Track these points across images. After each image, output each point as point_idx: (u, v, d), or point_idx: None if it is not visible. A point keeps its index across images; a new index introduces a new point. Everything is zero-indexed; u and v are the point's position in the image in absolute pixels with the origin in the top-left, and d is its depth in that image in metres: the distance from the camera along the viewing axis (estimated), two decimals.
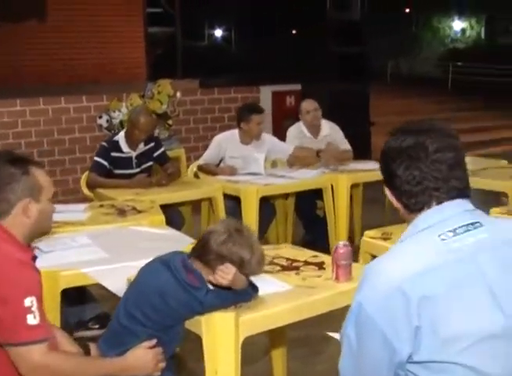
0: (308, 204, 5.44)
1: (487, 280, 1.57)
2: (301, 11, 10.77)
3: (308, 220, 5.55)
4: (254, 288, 2.28)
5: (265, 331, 2.88)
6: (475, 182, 5.01)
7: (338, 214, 5.03)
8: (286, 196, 5.42)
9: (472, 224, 1.64)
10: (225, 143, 5.33)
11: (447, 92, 19.18)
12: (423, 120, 1.85)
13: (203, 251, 2.20)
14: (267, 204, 5.12)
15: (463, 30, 25.43)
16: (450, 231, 1.61)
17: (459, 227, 1.62)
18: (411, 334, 1.52)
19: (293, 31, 16.66)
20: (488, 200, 4.95)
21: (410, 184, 1.68)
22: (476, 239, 1.61)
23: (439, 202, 1.67)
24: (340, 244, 2.49)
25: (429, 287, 1.53)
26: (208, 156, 5.34)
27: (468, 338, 1.52)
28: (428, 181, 1.66)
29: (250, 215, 4.64)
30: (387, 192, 1.77)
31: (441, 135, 1.69)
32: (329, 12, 9.19)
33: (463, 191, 1.68)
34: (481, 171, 5.01)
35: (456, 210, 1.66)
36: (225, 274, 2.15)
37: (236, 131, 5.37)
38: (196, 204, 5.35)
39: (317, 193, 5.16)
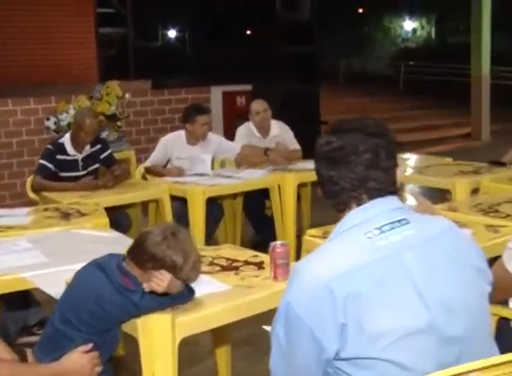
0: (257, 203, 5.46)
1: (412, 277, 1.59)
2: (253, 11, 10.81)
3: (257, 220, 5.57)
4: (190, 291, 2.28)
5: (208, 332, 2.91)
6: (419, 180, 5.20)
7: (285, 213, 5.07)
8: (234, 196, 5.43)
9: (399, 221, 1.66)
10: (172, 144, 5.32)
11: (399, 90, 19.44)
12: (353, 119, 1.85)
13: (138, 252, 2.20)
14: (215, 205, 5.13)
15: (414, 30, 25.78)
16: (376, 229, 1.63)
17: (385, 225, 1.64)
18: (337, 331, 1.54)
19: (248, 32, 16.69)
20: (434, 197, 5.05)
21: (330, 184, 1.70)
22: (402, 236, 1.63)
23: (359, 203, 1.69)
24: (278, 243, 2.51)
25: (355, 284, 1.55)
26: (155, 157, 5.32)
27: (393, 333, 1.54)
28: (345, 182, 1.68)
29: (197, 216, 4.64)
30: (319, 191, 1.80)
31: (364, 134, 1.69)
32: (279, 12, 9.24)
33: (384, 190, 1.69)
34: (425, 169, 5.11)
35: (382, 208, 1.68)
36: (160, 281, 2.15)
37: (182, 132, 5.37)
38: (145, 206, 5.33)
39: (265, 193, 5.18)
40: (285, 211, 5.06)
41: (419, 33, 25.82)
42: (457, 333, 1.60)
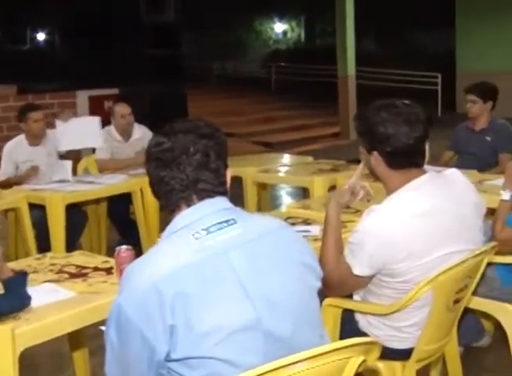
0: (121, 208, 5.40)
1: (238, 275, 1.63)
2: (118, 14, 10.67)
3: (122, 225, 5.51)
4: (26, 298, 2.24)
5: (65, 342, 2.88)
6: (279, 179, 5.32)
7: (148, 217, 5.05)
8: (98, 201, 5.35)
9: (226, 221, 1.69)
10: (15, 150, 5.22)
11: (270, 92, 19.75)
12: (184, 120, 1.88)
13: None
14: (77, 211, 5.03)
15: (285, 32, 26.29)
16: (204, 229, 1.66)
17: (213, 225, 1.67)
18: (167, 332, 1.55)
19: (114, 35, 16.36)
20: (298, 195, 5.19)
21: (161, 185, 1.72)
22: (229, 236, 1.67)
23: (189, 204, 1.71)
24: (123, 248, 2.50)
25: (182, 284, 1.57)
26: (4, 170, 5.18)
27: (221, 331, 1.57)
28: (175, 182, 1.70)
29: (57, 224, 4.54)
30: (151, 192, 1.81)
31: (195, 136, 1.72)
32: (143, 15, 9.19)
33: (213, 191, 1.72)
34: (286, 168, 5.25)
35: (210, 209, 1.71)
36: None
37: (22, 136, 5.28)
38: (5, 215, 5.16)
39: (130, 198, 5.14)
40: (148, 214, 5.04)
41: (289, 35, 26.35)
42: (284, 331, 1.65)
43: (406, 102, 2.38)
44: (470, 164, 4.89)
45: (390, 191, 2.38)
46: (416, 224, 2.24)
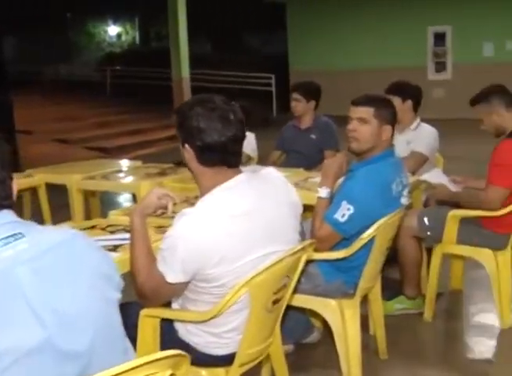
0: None
1: (25, 293, 1.48)
2: None
3: None
4: None
5: None
6: (105, 185, 5.11)
7: None
8: None
9: (13, 236, 1.54)
10: None
11: (106, 96, 19.35)
12: None
13: None
14: None
15: (119, 35, 25.87)
16: None
17: None
18: None
19: None
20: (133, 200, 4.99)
21: None
22: (15, 251, 1.52)
23: None
24: None
25: None
26: None
27: (11, 354, 1.43)
28: None
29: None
30: None
31: None
32: None
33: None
34: (113, 174, 5.05)
35: None
36: None
37: None
38: None
39: None
40: None
41: (124, 38, 25.96)
42: (79, 346, 1.53)
43: (226, 100, 2.31)
44: (297, 163, 4.96)
45: (203, 191, 2.30)
46: (229, 226, 2.18)
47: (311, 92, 5.12)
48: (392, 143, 3.22)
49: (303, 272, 3.15)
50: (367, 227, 2.94)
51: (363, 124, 3.11)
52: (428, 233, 3.90)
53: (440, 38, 16.96)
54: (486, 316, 4.03)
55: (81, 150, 12.61)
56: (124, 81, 19.36)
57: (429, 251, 4.11)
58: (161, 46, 21.70)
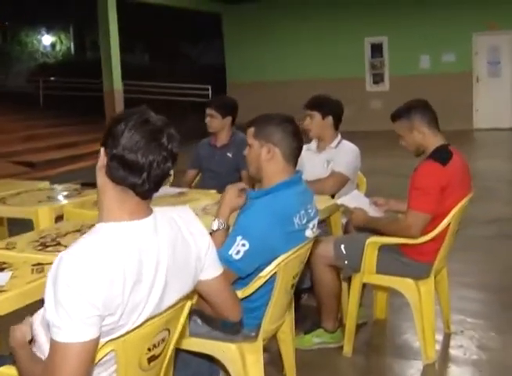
0: None
1: None
2: None
3: None
4: None
5: None
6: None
7: None
8: None
9: None
10: None
11: (39, 108, 18.70)
12: None
13: None
14: None
15: (53, 45, 25.13)
16: None
17: None
18: None
19: None
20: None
21: None
22: None
23: None
24: None
25: None
26: None
27: None
28: None
29: None
30: None
31: None
32: None
33: None
34: (13, 197, 4.59)
35: None
36: None
37: None
38: None
39: None
40: None
41: (58, 47, 25.24)
42: None
43: (169, 124, 1.90)
44: (213, 183, 4.62)
45: (101, 214, 1.91)
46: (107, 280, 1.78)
47: (227, 108, 4.78)
48: (298, 171, 2.88)
49: (202, 312, 2.82)
50: (268, 264, 2.61)
51: (249, 149, 2.83)
52: (346, 261, 3.59)
53: (377, 50, 16.91)
54: (410, 350, 3.75)
55: (6, 165, 12.08)
56: (59, 93, 18.75)
57: (350, 280, 3.81)
58: (97, 57, 21.17)
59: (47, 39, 25.08)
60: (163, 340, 2.12)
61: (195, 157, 5.03)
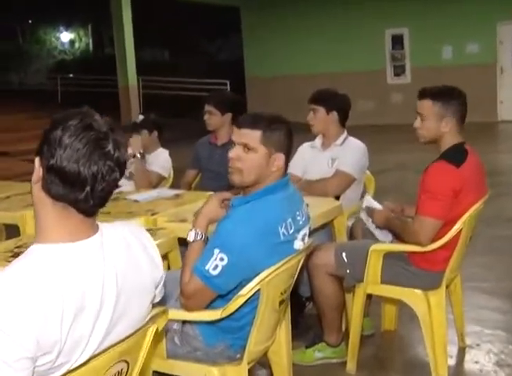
0: None
1: None
2: None
3: None
4: None
5: None
6: None
7: None
8: None
9: None
10: None
11: (57, 104, 18.59)
12: None
13: None
14: None
15: (72, 42, 25.02)
16: None
17: None
18: None
19: None
20: None
21: None
22: None
23: None
24: None
25: None
26: None
27: None
28: None
29: None
30: None
31: None
32: None
33: None
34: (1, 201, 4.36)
35: None
36: None
37: None
38: None
39: None
40: None
41: (77, 45, 25.14)
42: None
43: (116, 128, 1.65)
44: (213, 183, 4.33)
45: (37, 233, 1.64)
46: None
47: (226, 104, 4.49)
48: (286, 173, 2.57)
49: (181, 332, 2.56)
50: (251, 280, 2.32)
51: (248, 152, 2.46)
52: (348, 270, 3.29)
53: (398, 42, 16.51)
54: (419, 366, 3.44)
55: (22, 164, 11.93)
56: (77, 89, 18.66)
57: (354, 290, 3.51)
58: (113, 53, 21.11)
59: (65, 36, 24.99)
60: (119, 373, 1.85)
61: (194, 156, 4.76)
